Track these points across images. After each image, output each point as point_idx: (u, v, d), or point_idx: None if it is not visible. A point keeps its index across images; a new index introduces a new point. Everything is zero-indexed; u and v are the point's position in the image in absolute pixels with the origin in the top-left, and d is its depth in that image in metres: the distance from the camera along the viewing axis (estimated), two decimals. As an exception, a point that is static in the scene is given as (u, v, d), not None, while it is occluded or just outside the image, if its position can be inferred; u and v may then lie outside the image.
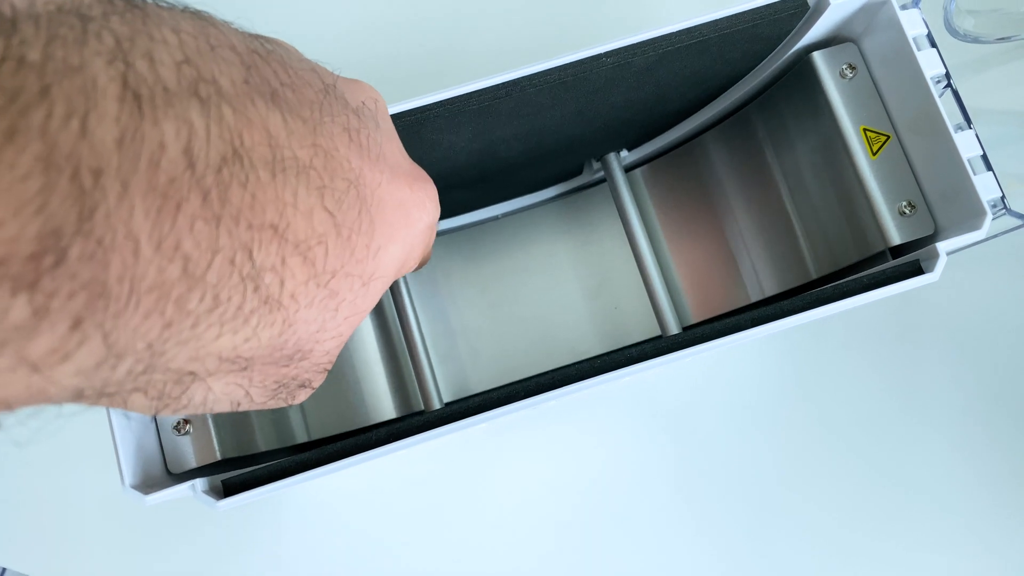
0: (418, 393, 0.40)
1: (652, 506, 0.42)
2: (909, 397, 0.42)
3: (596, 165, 0.41)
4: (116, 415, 0.28)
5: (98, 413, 0.41)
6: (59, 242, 0.11)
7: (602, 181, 0.43)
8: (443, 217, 0.42)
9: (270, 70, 0.15)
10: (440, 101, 0.30)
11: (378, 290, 0.17)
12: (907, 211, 0.33)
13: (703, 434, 0.43)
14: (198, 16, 0.15)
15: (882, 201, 0.33)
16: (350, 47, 0.46)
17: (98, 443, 0.41)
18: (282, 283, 0.14)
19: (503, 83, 0.31)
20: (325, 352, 0.17)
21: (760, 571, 0.41)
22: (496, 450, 0.43)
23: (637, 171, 0.43)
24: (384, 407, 0.40)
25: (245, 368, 0.15)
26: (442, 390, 0.40)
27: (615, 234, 0.42)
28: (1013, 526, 0.41)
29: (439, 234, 0.43)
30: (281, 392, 0.18)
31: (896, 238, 0.33)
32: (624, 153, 0.41)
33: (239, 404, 0.17)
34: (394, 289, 0.39)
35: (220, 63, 0.14)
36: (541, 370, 0.41)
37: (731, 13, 0.31)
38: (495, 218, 0.43)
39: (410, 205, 0.18)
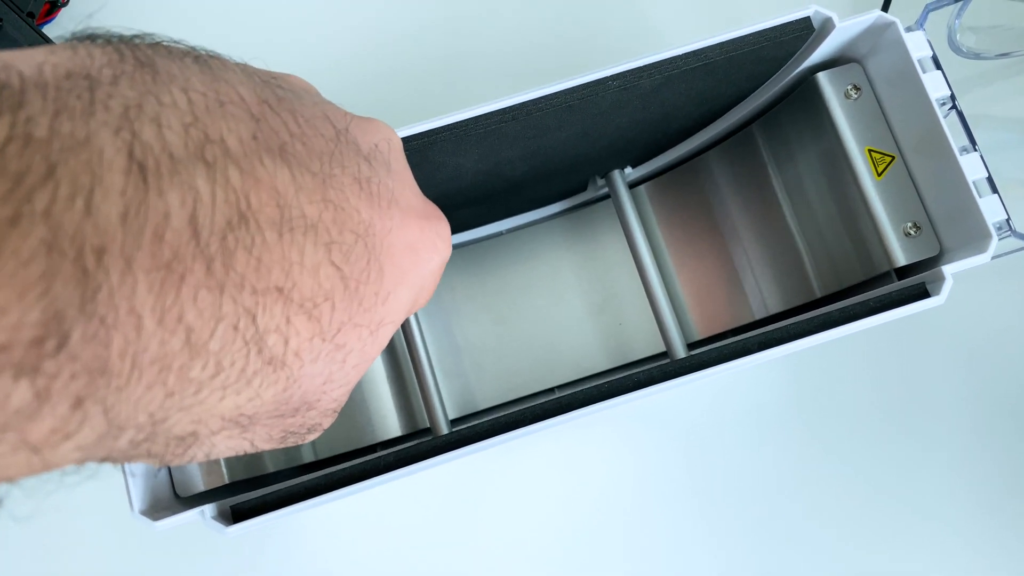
0: (423, 410, 0.41)
1: (659, 519, 0.42)
2: (913, 413, 0.43)
3: (600, 182, 0.41)
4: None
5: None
6: (62, 326, 0.10)
7: (606, 197, 0.43)
8: (448, 234, 0.42)
9: (280, 121, 0.15)
10: (447, 125, 0.30)
11: (387, 334, 0.17)
12: (912, 232, 0.33)
13: (709, 447, 0.43)
14: (208, 67, 0.15)
15: (887, 222, 0.33)
16: (357, 65, 0.46)
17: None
18: (286, 342, 0.14)
19: (509, 107, 0.31)
20: (333, 400, 0.17)
21: (765, 587, 0.41)
22: (501, 465, 0.43)
23: (641, 187, 0.43)
24: (390, 424, 0.40)
25: (248, 425, 0.15)
26: (447, 407, 0.40)
27: (619, 249, 0.43)
28: (1017, 544, 0.41)
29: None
30: (289, 439, 0.17)
31: (901, 259, 0.33)
32: (628, 170, 0.41)
33: (245, 452, 0.17)
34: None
35: (228, 120, 0.14)
36: (546, 386, 0.42)
37: (737, 35, 0.31)
38: (499, 234, 0.43)
39: (420, 246, 0.18)
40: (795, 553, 0.42)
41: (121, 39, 0.14)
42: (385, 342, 0.17)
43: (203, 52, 0.16)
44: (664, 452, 0.43)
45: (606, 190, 0.42)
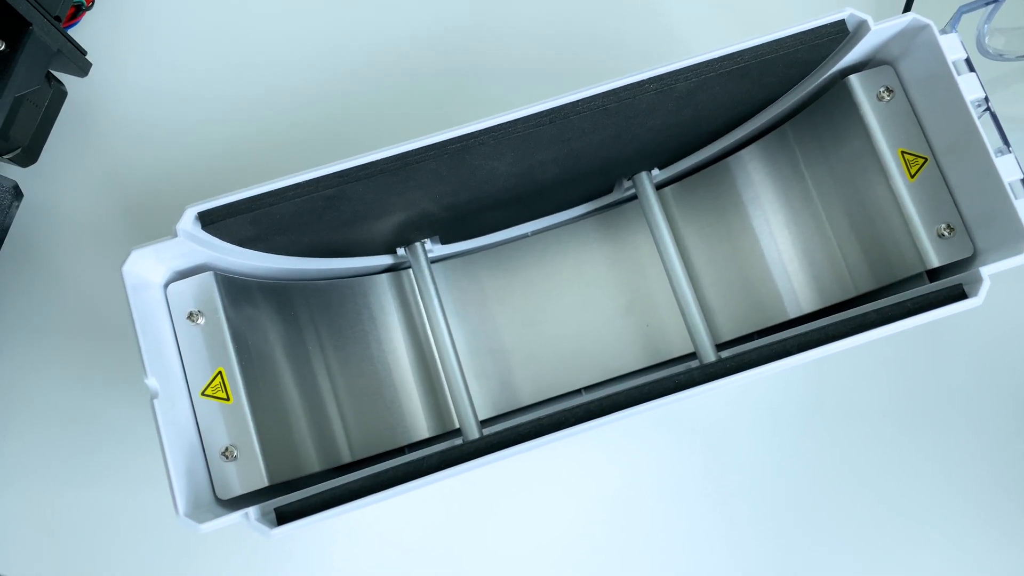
0: (452, 412, 0.41)
1: (676, 522, 0.42)
2: (938, 420, 0.43)
3: (627, 183, 0.41)
4: (169, 443, 0.29)
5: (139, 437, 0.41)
6: None
7: (632, 199, 0.43)
8: (475, 236, 0.42)
9: None
10: (487, 128, 0.31)
11: None
12: (946, 233, 0.33)
13: (727, 450, 0.43)
14: None
15: (920, 223, 0.33)
16: (381, 72, 0.46)
17: (127, 463, 0.42)
18: None
19: (547, 110, 0.31)
20: None
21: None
22: (518, 468, 0.43)
23: (667, 189, 0.43)
24: (420, 426, 0.40)
25: None
26: (477, 409, 0.40)
27: (645, 251, 0.43)
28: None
29: (470, 252, 0.43)
30: None
31: (935, 260, 0.33)
32: (655, 171, 0.41)
33: None
34: (428, 309, 0.39)
35: None
36: (574, 387, 0.42)
37: (772, 39, 0.31)
38: (525, 236, 0.44)
39: None
40: (815, 558, 0.42)
41: None
42: None
43: None
44: (681, 455, 0.43)
45: (632, 192, 0.42)
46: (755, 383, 0.44)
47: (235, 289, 0.34)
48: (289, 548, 0.41)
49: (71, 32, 0.44)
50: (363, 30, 0.46)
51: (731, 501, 0.42)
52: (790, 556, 0.42)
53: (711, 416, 0.43)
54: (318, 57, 0.46)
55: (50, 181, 0.44)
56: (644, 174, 0.40)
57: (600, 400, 0.30)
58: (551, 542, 0.42)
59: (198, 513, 0.29)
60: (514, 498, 0.43)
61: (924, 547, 0.42)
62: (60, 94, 0.43)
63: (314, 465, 0.34)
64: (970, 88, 0.31)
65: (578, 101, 0.31)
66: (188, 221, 0.30)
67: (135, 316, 0.30)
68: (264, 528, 0.28)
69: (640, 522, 0.42)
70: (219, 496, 0.31)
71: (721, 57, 0.31)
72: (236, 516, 0.28)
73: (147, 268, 0.31)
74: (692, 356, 0.41)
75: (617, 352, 0.42)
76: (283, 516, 0.28)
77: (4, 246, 0.42)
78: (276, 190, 0.30)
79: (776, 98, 0.37)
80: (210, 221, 0.30)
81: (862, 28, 0.32)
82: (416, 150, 0.31)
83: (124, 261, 0.29)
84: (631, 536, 0.42)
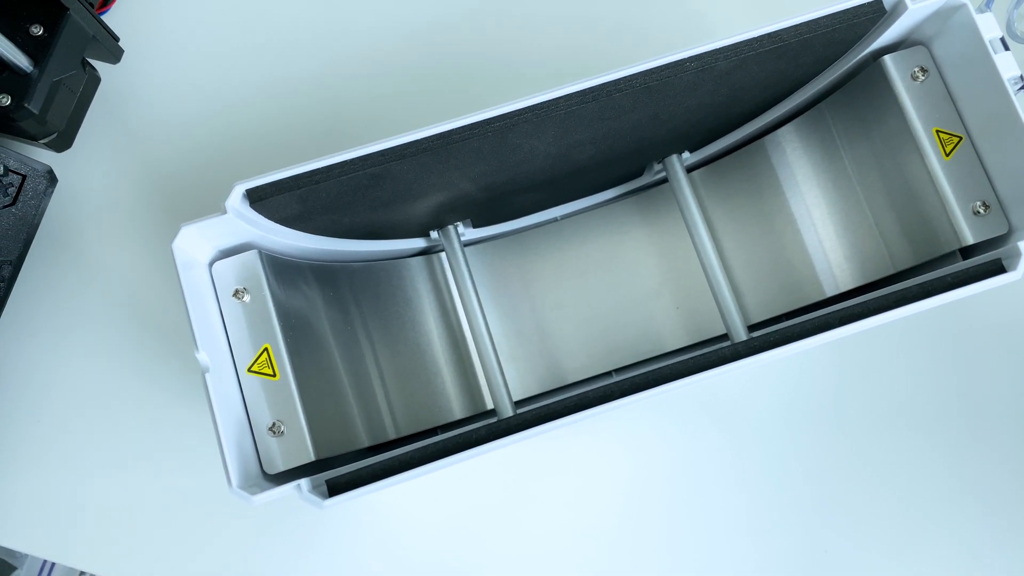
0: (483, 393, 0.41)
1: (694, 507, 0.43)
2: (966, 403, 0.43)
3: (657, 167, 0.42)
4: (221, 416, 0.29)
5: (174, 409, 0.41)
6: None
7: (662, 182, 0.43)
8: (506, 219, 0.43)
9: None
10: (531, 106, 0.31)
11: None
12: (981, 211, 0.33)
13: (756, 435, 0.43)
14: None
15: (955, 201, 0.34)
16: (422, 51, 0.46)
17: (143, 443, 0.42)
18: None
19: (590, 88, 0.31)
20: None
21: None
22: (550, 450, 0.43)
23: (695, 173, 0.43)
24: (453, 407, 0.41)
25: None
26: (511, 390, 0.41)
27: (675, 234, 0.43)
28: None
29: (501, 236, 0.43)
30: None
31: (969, 237, 0.33)
32: (686, 154, 0.42)
33: None
34: (462, 291, 0.39)
35: None
36: (604, 369, 0.42)
37: (811, 18, 0.32)
38: (554, 220, 0.44)
39: None
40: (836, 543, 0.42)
41: None
42: None
43: None
44: (706, 441, 0.43)
45: (662, 175, 0.42)
46: (778, 372, 0.44)
47: (279, 267, 0.34)
48: (316, 532, 0.42)
49: (103, 18, 0.44)
50: (387, 18, 0.46)
51: (753, 486, 0.43)
52: (811, 540, 0.42)
53: (737, 403, 0.44)
54: (348, 43, 0.46)
55: (83, 167, 0.44)
56: (675, 157, 0.41)
57: (643, 375, 0.30)
58: (579, 524, 0.43)
59: (248, 487, 0.29)
60: (541, 482, 0.43)
61: (944, 542, 0.42)
62: (94, 80, 0.43)
63: (360, 441, 0.34)
64: (1007, 66, 0.31)
65: (620, 79, 0.31)
66: (236, 198, 0.30)
67: (186, 292, 0.30)
68: (317, 499, 0.28)
69: (663, 508, 0.43)
70: (266, 471, 0.31)
71: (761, 36, 0.32)
72: (288, 488, 0.28)
73: (194, 245, 0.31)
74: (722, 338, 0.42)
75: (647, 334, 0.42)
76: (334, 488, 0.29)
77: (39, 230, 0.42)
78: (323, 168, 0.31)
79: (809, 79, 0.37)
80: (257, 198, 0.31)
81: (899, 7, 0.32)
82: (460, 128, 0.31)
83: (174, 237, 0.30)
84: (652, 522, 0.43)
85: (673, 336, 0.42)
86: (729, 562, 0.42)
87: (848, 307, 0.30)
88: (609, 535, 0.42)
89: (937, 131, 0.34)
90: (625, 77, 0.31)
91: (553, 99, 0.31)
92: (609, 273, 0.43)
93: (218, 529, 0.41)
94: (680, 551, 0.42)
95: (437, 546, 0.42)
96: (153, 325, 0.43)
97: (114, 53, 0.44)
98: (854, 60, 0.36)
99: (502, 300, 0.43)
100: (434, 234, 0.40)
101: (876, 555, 0.42)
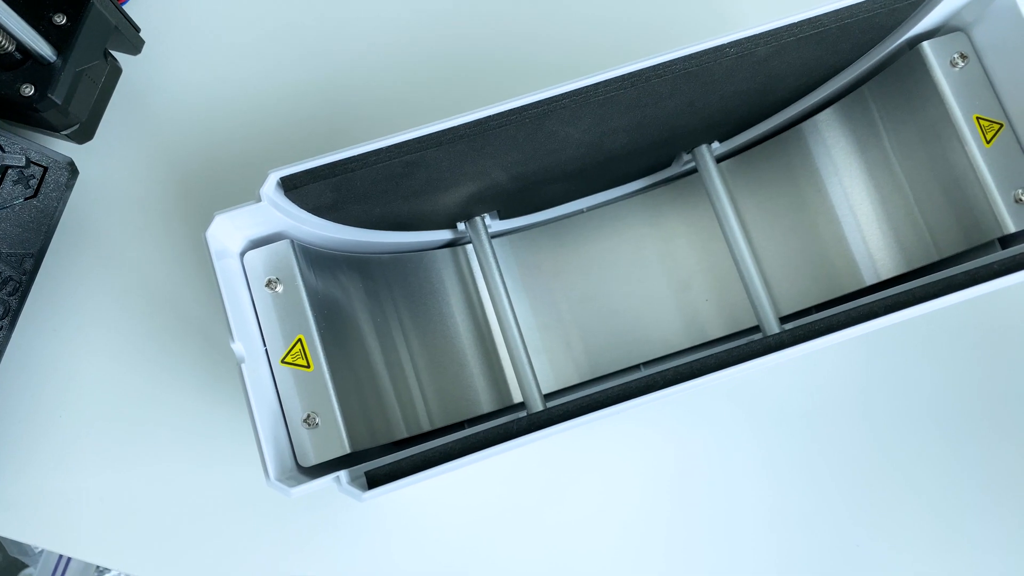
0: (510, 386, 0.41)
1: (731, 496, 0.42)
2: (994, 400, 0.43)
3: (686, 157, 0.41)
4: (257, 408, 0.28)
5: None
6: None
7: (689, 173, 0.43)
8: (534, 210, 0.42)
9: None
10: (568, 92, 0.31)
11: None
12: (1023, 198, 0.33)
13: (782, 422, 0.43)
14: None
15: (996, 188, 0.33)
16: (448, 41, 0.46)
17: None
18: None
19: (630, 73, 0.31)
20: None
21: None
22: (565, 442, 0.43)
23: (724, 163, 0.43)
24: (481, 400, 0.40)
25: None
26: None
27: (703, 227, 0.43)
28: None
29: (527, 228, 0.43)
30: None
31: (1011, 225, 0.33)
32: (715, 144, 0.41)
33: None
34: (490, 282, 0.39)
35: None
36: (633, 362, 0.42)
37: (852, 3, 0.31)
38: (580, 211, 0.44)
39: None
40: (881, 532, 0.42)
41: None
42: None
43: None
44: (727, 436, 0.43)
45: (691, 166, 0.42)
46: (806, 367, 0.43)
47: (311, 257, 0.34)
48: (337, 528, 0.41)
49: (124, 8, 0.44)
50: (406, 7, 0.46)
51: (782, 480, 0.42)
52: (841, 535, 0.42)
53: (765, 397, 0.43)
54: (366, 34, 0.46)
55: (103, 159, 0.44)
56: (704, 147, 0.40)
57: (676, 368, 0.30)
58: (605, 519, 0.42)
59: (284, 479, 0.29)
60: (564, 477, 0.43)
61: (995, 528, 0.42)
62: (116, 71, 0.43)
63: (394, 433, 0.33)
64: (1051, 51, 0.31)
65: (660, 64, 0.31)
66: (271, 186, 0.30)
67: (220, 282, 0.29)
68: (356, 492, 0.27)
69: (689, 502, 0.42)
70: (300, 463, 0.31)
71: (801, 21, 0.31)
72: (327, 480, 0.28)
73: (226, 234, 0.31)
74: (753, 330, 0.41)
75: (676, 327, 0.42)
76: (373, 480, 0.28)
77: (60, 222, 0.42)
78: (358, 155, 0.30)
79: (844, 67, 0.37)
80: (292, 186, 0.30)
81: (940, -8, 0.32)
82: (497, 115, 0.31)
83: (208, 226, 0.29)
84: (677, 515, 0.42)
85: (703, 329, 0.42)
86: (759, 554, 0.42)
87: (893, 295, 0.30)
88: (636, 528, 0.42)
89: (977, 118, 0.34)
90: (665, 63, 0.31)
91: (592, 84, 0.31)
92: (636, 265, 0.43)
93: (239, 525, 0.41)
94: (708, 544, 0.42)
95: (460, 542, 0.41)
96: (175, 317, 0.42)
97: (135, 44, 0.43)
98: (891, 47, 0.35)
99: (527, 292, 0.42)
100: (461, 226, 0.40)
101: (907, 553, 0.42)
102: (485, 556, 0.41)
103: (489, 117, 0.31)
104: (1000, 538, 0.42)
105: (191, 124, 0.45)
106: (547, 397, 0.41)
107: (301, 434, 0.31)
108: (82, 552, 0.41)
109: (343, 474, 0.28)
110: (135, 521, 0.41)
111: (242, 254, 0.32)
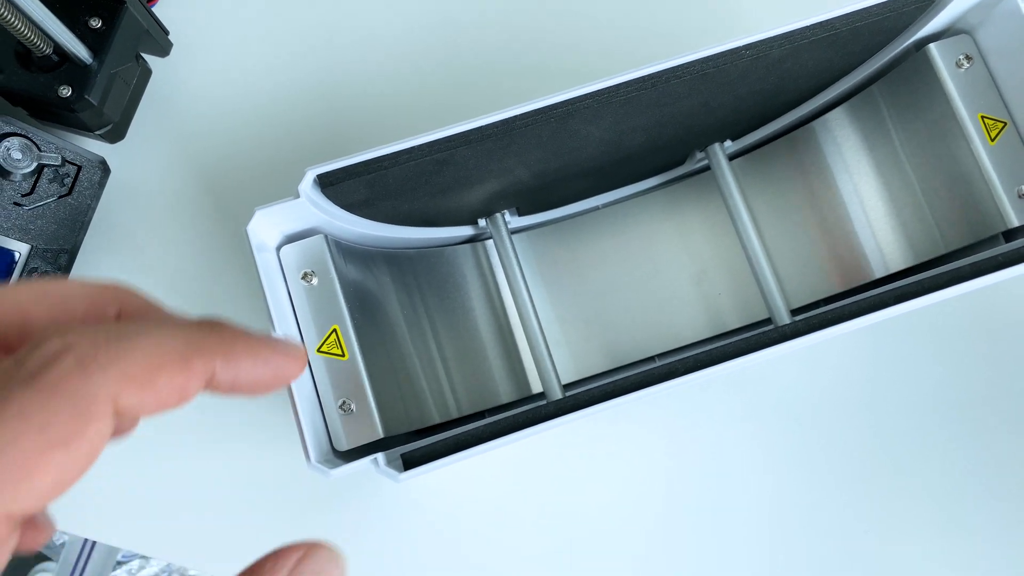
0: (528, 378, 0.42)
1: (735, 487, 0.44)
2: (999, 395, 0.44)
3: (699, 155, 0.43)
4: (298, 394, 0.30)
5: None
6: None
7: (702, 171, 0.44)
8: (552, 207, 0.43)
9: None
10: (592, 92, 0.32)
11: None
12: (1026, 194, 0.34)
13: (790, 415, 0.44)
14: None
15: (1000, 184, 0.35)
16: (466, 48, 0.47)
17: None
18: None
19: (651, 74, 0.32)
20: None
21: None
22: (578, 432, 0.44)
23: (735, 161, 0.44)
24: (501, 391, 0.41)
25: None
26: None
27: (716, 222, 0.44)
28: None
29: (544, 224, 0.44)
30: None
31: (1014, 219, 0.34)
32: (728, 143, 0.43)
33: None
34: (510, 277, 0.40)
35: None
36: (647, 355, 0.43)
37: (862, 7, 0.33)
38: (596, 208, 0.45)
39: None
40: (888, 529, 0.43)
41: None
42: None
43: None
44: (732, 427, 0.44)
45: (704, 163, 0.43)
46: (812, 360, 0.45)
47: (344, 251, 0.35)
48: (364, 513, 0.43)
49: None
50: (423, 13, 0.47)
51: (796, 467, 0.44)
52: (852, 521, 0.43)
53: (773, 390, 0.45)
54: (394, 38, 0.47)
55: (134, 158, 0.45)
56: (717, 145, 0.42)
57: (690, 358, 0.31)
58: (616, 509, 0.43)
59: (324, 461, 0.30)
60: (575, 466, 0.44)
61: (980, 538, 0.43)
62: (146, 72, 0.44)
63: (426, 419, 0.35)
64: (1052, 53, 0.32)
65: (679, 66, 0.32)
66: (308, 183, 0.31)
67: (261, 274, 0.31)
68: (393, 473, 0.29)
69: (697, 492, 0.44)
70: (336, 448, 0.32)
71: (813, 24, 0.33)
72: (365, 462, 0.29)
73: (264, 229, 0.32)
74: (764, 323, 0.43)
75: (689, 320, 0.43)
76: (409, 462, 0.29)
77: (92, 220, 0.43)
78: (391, 154, 0.32)
79: (852, 69, 0.38)
80: (328, 183, 0.31)
81: (947, -4, 0.33)
82: (523, 114, 0.32)
83: (249, 220, 0.31)
84: (684, 506, 0.44)
85: (717, 322, 0.43)
86: (764, 543, 0.43)
87: (902, 286, 0.31)
88: (646, 518, 0.43)
89: (982, 117, 0.35)
90: (684, 64, 0.32)
91: (614, 85, 0.32)
92: (650, 260, 0.44)
93: (267, 511, 0.42)
94: (717, 534, 0.43)
95: (475, 529, 0.43)
96: (203, 309, 0.43)
97: (163, 46, 0.45)
98: (899, 49, 0.37)
99: (547, 286, 0.44)
100: (482, 222, 0.41)
101: (911, 544, 0.43)
102: (499, 544, 0.43)
103: (516, 116, 0.32)
104: (1004, 530, 0.43)
105: (216, 124, 0.46)
106: (566, 387, 0.43)
107: (336, 420, 0.32)
108: (105, 536, 0.42)
109: (380, 456, 0.29)
110: (158, 507, 0.42)
111: (278, 248, 0.34)
